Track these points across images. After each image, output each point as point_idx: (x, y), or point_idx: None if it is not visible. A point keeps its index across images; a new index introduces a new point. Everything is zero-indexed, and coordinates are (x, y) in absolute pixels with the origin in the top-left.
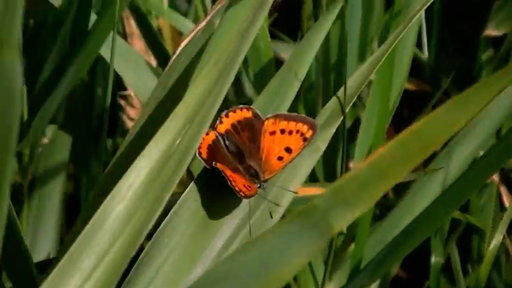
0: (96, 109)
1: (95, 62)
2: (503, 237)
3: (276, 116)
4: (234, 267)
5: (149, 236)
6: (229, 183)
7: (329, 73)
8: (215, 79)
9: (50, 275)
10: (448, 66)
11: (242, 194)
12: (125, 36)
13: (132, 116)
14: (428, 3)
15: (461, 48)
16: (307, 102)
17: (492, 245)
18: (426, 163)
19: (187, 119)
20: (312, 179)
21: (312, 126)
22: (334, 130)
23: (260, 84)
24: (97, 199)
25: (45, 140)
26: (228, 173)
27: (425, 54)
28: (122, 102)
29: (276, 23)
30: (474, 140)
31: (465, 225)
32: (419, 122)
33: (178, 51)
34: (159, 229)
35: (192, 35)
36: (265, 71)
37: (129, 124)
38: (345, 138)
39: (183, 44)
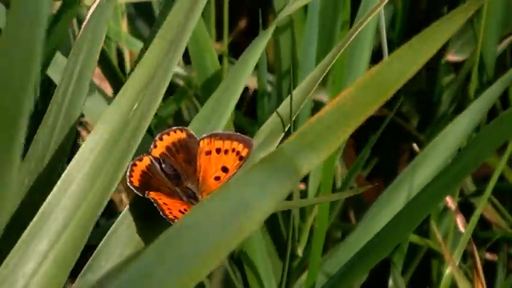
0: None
1: (48, 87)
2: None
3: (211, 136)
4: (202, 218)
5: (86, 259)
6: (161, 213)
7: (281, 82)
8: (165, 51)
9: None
10: (409, 91)
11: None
12: None
13: None
14: (375, 13)
15: (424, 72)
16: (262, 111)
17: (449, 270)
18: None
19: (142, 88)
20: None
21: (248, 145)
22: (273, 149)
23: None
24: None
25: None
26: (162, 201)
27: None
28: (79, 128)
29: (239, 48)
30: (436, 160)
31: (426, 251)
32: (377, 66)
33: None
34: (96, 251)
35: None
36: (213, 87)
37: None
38: None
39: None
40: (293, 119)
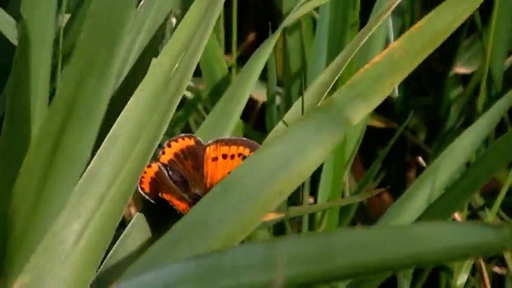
0: None
1: None
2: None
3: (217, 142)
4: (258, 163)
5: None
6: (178, 212)
7: (290, 94)
8: (203, 11)
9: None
10: (417, 104)
11: None
12: None
13: None
14: (384, 17)
15: (432, 86)
16: (271, 124)
17: (458, 282)
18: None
19: (183, 46)
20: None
21: (254, 148)
22: None
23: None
24: None
25: None
26: (175, 202)
27: (395, 93)
28: None
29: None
30: (444, 174)
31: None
32: (425, 18)
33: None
34: (105, 260)
35: None
36: (221, 91)
37: None
38: None
39: None
40: None
